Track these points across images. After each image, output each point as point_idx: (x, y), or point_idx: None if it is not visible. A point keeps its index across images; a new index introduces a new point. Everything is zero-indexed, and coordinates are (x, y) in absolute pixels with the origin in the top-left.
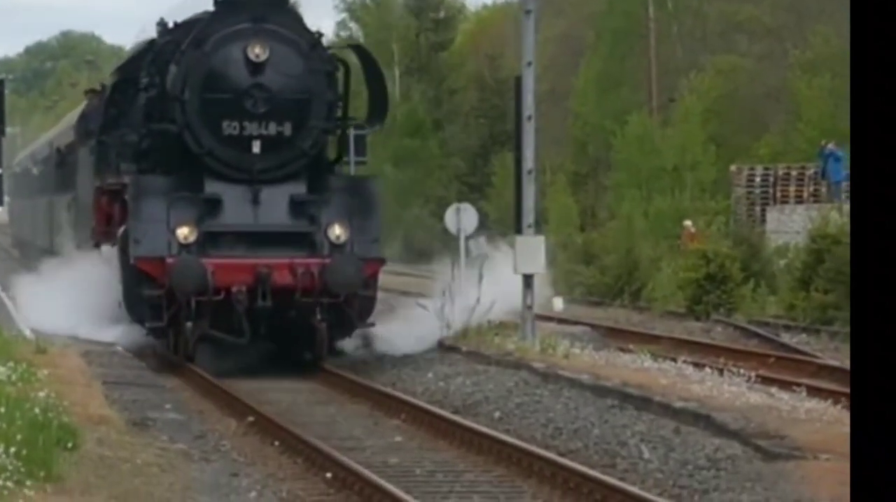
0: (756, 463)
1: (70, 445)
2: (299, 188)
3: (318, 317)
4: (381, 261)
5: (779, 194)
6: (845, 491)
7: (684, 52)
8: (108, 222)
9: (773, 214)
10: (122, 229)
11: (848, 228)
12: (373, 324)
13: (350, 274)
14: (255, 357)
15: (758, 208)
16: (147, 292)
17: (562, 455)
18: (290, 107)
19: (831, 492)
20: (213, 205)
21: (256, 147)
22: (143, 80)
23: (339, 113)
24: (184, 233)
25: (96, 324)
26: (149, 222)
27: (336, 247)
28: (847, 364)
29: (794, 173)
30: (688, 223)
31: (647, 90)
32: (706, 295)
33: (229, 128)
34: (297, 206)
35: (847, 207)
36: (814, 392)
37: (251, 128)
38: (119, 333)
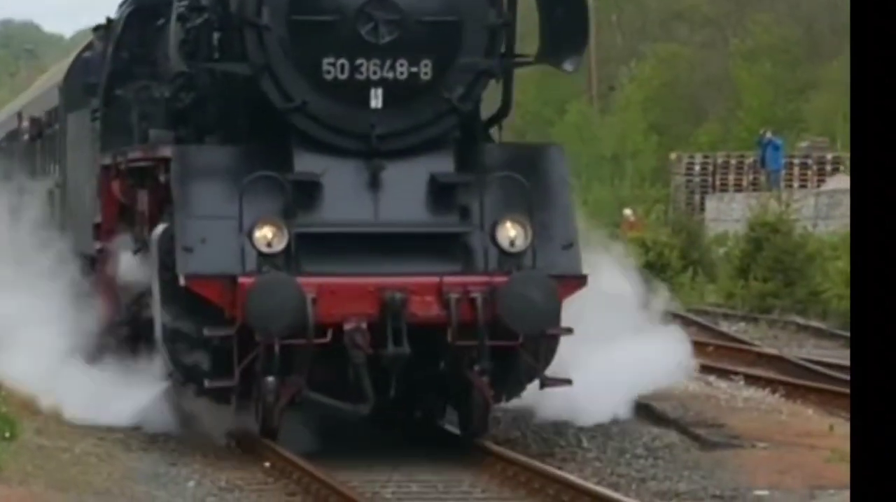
0: (694, 452)
1: (8, 435)
2: (443, 163)
3: (478, 368)
4: (582, 280)
5: (718, 182)
6: (782, 479)
7: (625, 41)
8: (123, 217)
9: (712, 203)
10: (157, 230)
11: (786, 216)
12: (569, 383)
13: (537, 301)
14: (369, 427)
15: (697, 196)
16: (207, 331)
17: (499, 444)
18: (429, 35)
19: (768, 480)
20: (309, 191)
21: (377, 99)
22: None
23: (504, 46)
24: (266, 235)
25: (100, 388)
26: (208, 219)
27: (510, 257)
28: (785, 352)
29: (733, 162)
30: (628, 212)
31: (586, 78)
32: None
33: (334, 69)
34: (441, 193)
35: (785, 195)
36: (752, 380)
37: (369, 68)
38: (141, 403)
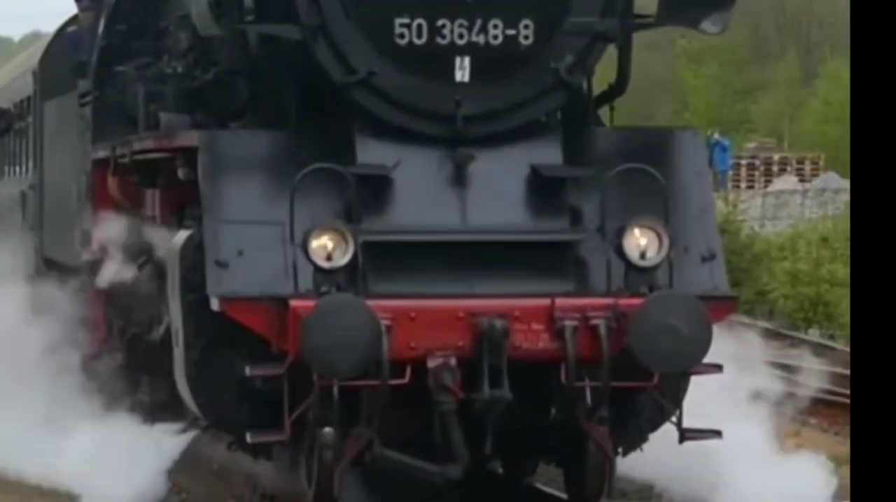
0: None
1: None
2: (549, 152)
3: (598, 415)
4: (731, 303)
5: None
6: None
7: None
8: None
9: None
10: (177, 239)
11: (733, 217)
12: (719, 435)
13: (681, 330)
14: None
15: None
16: (250, 370)
17: None
18: None
19: None
20: (377, 189)
21: (463, 70)
22: None
23: (622, 5)
24: (325, 246)
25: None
26: (247, 225)
27: (640, 273)
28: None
29: None
30: None
31: None
32: None
33: (409, 32)
34: (546, 190)
35: (732, 196)
36: None
37: (453, 31)
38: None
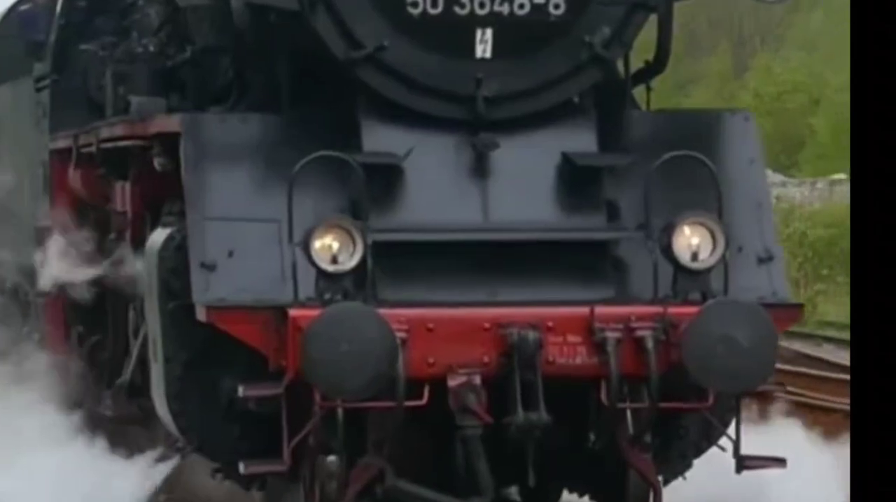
0: None
1: None
2: (582, 138)
3: (642, 441)
4: (797, 311)
5: None
6: None
7: None
8: (85, 219)
9: None
10: (154, 239)
11: None
12: (783, 463)
13: (742, 343)
14: None
15: None
16: (243, 390)
17: None
18: None
19: None
20: (386, 181)
21: (485, 44)
22: None
23: None
24: (330, 246)
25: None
26: (238, 222)
27: (692, 276)
28: None
29: None
30: None
31: None
32: None
33: (423, 2)
34: (579, 182)
35: None
36: None
37: (474, 0)
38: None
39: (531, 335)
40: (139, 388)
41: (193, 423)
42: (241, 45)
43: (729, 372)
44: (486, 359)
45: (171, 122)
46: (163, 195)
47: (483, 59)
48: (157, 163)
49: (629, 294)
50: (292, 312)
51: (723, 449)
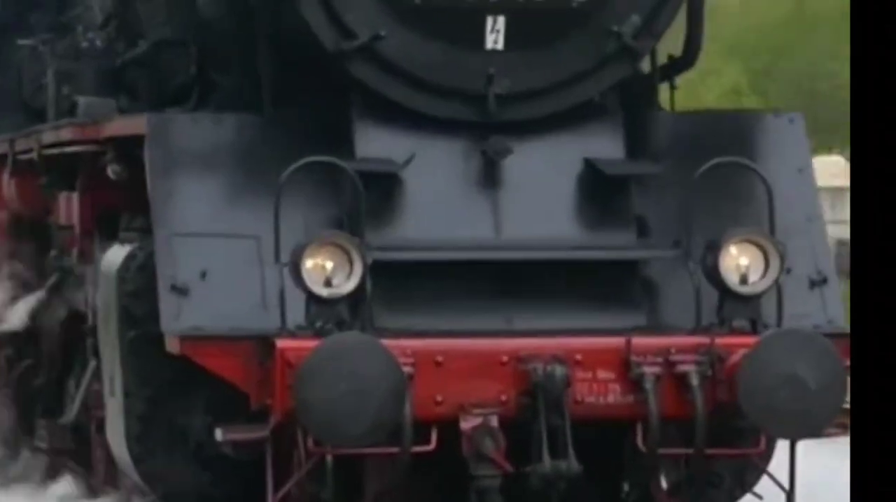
0: None
1: None
2: (607, 142)
3: (682, 490)
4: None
5: None
6: None
7: None
8: (20, 234)
9: None
10: (111, 257)
11: None
12: None
13: (808, 381)
14: None
15: None
16: (222, 434)
17: None
18: None
19: None
20: (381, 190)
21: (496, 34)
22: None
23: None
24: (323, 267)
25: None
26: (213, 238)
27: (741, 302)
28: None
29: None
30: None
31: None
32: None
33: None
34: (605, 192)
35: None
36: None
37: None
38: None
39: (558, 371)
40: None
41: (157, 469)
42: (207, 38)
43: (795, 416)
44: (503, 398)
45: (133, 124)
46: (117, 207)
47: (494, 52)
48: (112, 170)
49: (663, 321)
50: (280, 343)
51: (759, 496)
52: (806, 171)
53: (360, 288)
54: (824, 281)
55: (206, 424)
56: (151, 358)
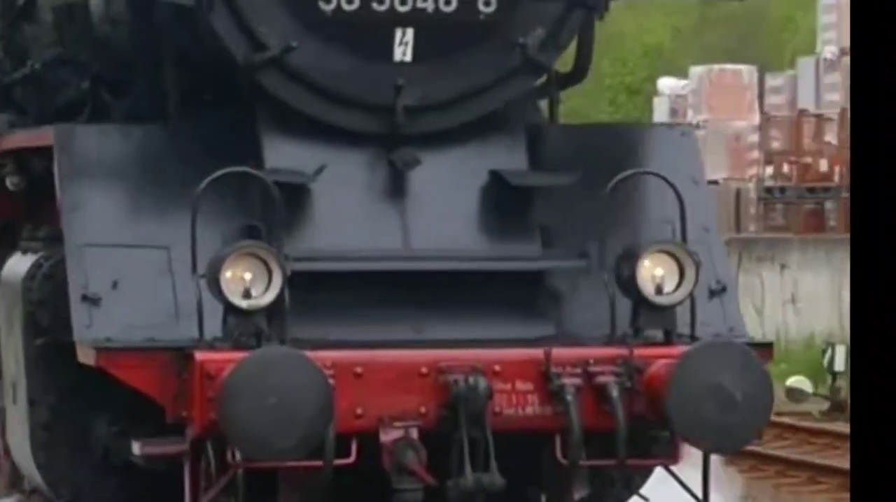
0: None
1: None
2: (511, 154)
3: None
4: (767, 350)
5: None
6: None
7: None
8: None
9: None
10: (13, 267)
11: None
12: None
13: (734, 393)
14: None
15: None
16: (141, 448)
17: None
18: None
19: None
20: (290, 201)
21: (404, 45)
22: None
23: None
24: (241, 278)
25: None
26: (123, 248)
27: (656, 311)
28: None
29: None
30: None
31: None
32: None
33: None
34: (510, 203)
35: None
36: None
37: None
38: None
39: (481, 383)
40: None
41: (63, 476)
42: (102, 54)
43: (723, 429)
44: (422, 410)
45: (37, 136)
46: (13, 218)
47: (402, 63)
48: (10, 182)
49: (570, 331)
50: (200, 356)
51: (645, 498)
52: (700, 183)
53: (279, 299)
54: (724, 289)
55: (112, 432)
56: (56, 366)
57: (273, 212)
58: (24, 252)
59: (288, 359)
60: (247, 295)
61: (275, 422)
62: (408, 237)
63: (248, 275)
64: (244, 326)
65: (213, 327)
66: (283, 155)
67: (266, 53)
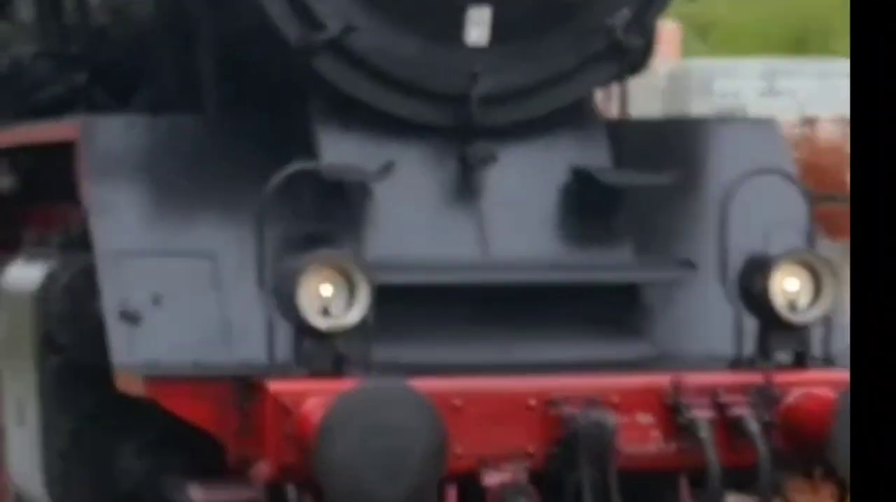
0: None
1: None
2: (594, 149)
3: None
4: None
5: None
6: None
7: None
8: None
9: None
10: (29, 276)
11: None
12: None
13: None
14: None
15: None
16: (195, 494)
17: None
18: None
19: None
20: (346, 203)
21: (480, 27)
22: None
23: None
24: (322, 292)
25: None
26: (162, 257)
27: (789, 332)
28: None
29: None
30: None
31: None
32: None
33: None
34: (598, 205)
35: None
36: None
37: None
38: None
39: (609, 419)
40: None
41: None
42: (100, 46)
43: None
44: (530, 449)
45: (60, 129)
46: (11, 222)
47: (477, 49)
48: (5, 182)
49: (667, 351)
50: (273, 386)
51: None
52: (797, 182)
53: (364, 318)
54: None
55: (144, 466)
56: (76, 389)
57: (347, 215)
58: (30, 259)
59: (399, 394)
60: (325, 313)
61: (382, 469)
62: (486, 244)
63: (327, 291)
64: (323, 351)
65: (259, 347)
66: (340, 150)
67: (323, 34)
